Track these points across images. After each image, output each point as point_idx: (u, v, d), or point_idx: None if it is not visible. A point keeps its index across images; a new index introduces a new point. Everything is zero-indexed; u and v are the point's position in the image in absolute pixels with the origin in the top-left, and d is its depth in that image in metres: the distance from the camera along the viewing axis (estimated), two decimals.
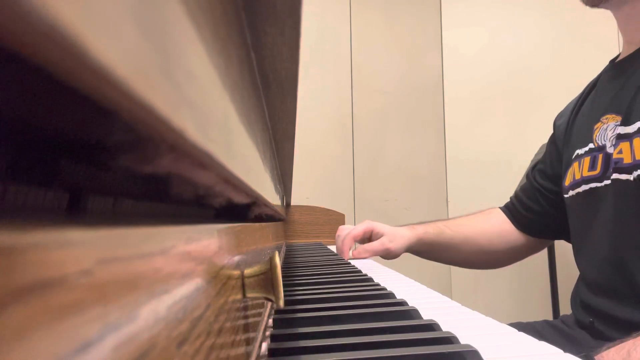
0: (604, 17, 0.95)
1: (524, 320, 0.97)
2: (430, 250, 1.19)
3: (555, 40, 2.24)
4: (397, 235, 1.16)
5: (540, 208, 1.08)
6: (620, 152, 0.80)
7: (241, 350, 0.29)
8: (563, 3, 2.17)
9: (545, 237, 1.15)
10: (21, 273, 0.08)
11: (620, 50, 0.94)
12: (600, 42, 2.14)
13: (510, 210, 1.16)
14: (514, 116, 2.22)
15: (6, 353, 0.07)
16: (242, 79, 0.31)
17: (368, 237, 1.20)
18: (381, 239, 1.16)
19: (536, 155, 1.90)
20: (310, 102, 2.07)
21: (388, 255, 1.17)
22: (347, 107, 2.21)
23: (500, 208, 1.19)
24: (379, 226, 1.19)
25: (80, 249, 0.10)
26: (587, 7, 0.91)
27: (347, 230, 1.22)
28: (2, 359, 0.07)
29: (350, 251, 1.21)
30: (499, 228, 1.16)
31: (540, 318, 1.02)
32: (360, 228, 1.20)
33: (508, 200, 1.20)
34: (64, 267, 0.09)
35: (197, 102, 0.16)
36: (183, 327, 0.16)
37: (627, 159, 0.78)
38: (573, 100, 1.04)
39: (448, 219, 1.24)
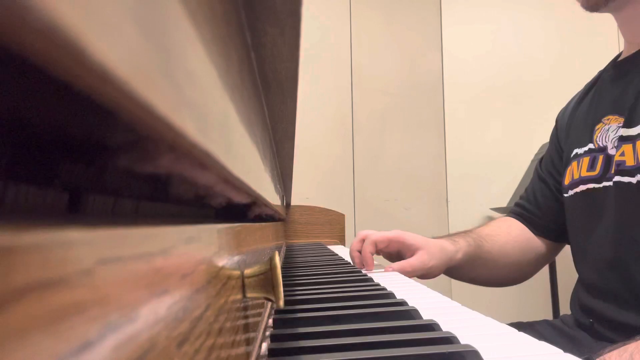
0: (605, 17, 0.95)
1: (524, 320, 0.96)
2: (471, 268, 1.00)
3: (555, 40, 2.24)
4: (434, 249, 0.93)
5: (562, 207, 0.99)
6: (622, 154, 0.79)
7: (241, 350, 0.29)
8: (563, 2, 2.17)
9: (565, 240, 1.04)
10: (21, 273, 0.08)
11: (621, 49, 0.93)
12: (602, 42, 2.14)
13: (523, 216, 1.06)
14: (514, 116, 2.21)
15: (6, 353, 0.07)
16: (242, 79, 0.31)
17: (395, 251, 0.95)
18: (418, 255, 0.92)
19: (536, 155, 1.90)
20: (310, 102, 2.07)
21: (428, 274, 0.93)
22: (347, 107, 2.21)
23: (510, 215, 1.09)
24: (411, 238, 0.93)
25: (80, 249, 0.10)
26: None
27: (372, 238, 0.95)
28: (2, 359, 0.07)
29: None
30: (524, 236, 1.03)
31: (540, 318, 1.02)
32: (385, 235, 0.94)
33: (513, 206, 1.10)
34: (64, 267, 0.09)
35: (197, 102, 0.16)
36: (183, 327, 0.16)
37: (630, 162, 0.78)
38: (575, 96, 1.02)
39: (471, 230, 1.05)
